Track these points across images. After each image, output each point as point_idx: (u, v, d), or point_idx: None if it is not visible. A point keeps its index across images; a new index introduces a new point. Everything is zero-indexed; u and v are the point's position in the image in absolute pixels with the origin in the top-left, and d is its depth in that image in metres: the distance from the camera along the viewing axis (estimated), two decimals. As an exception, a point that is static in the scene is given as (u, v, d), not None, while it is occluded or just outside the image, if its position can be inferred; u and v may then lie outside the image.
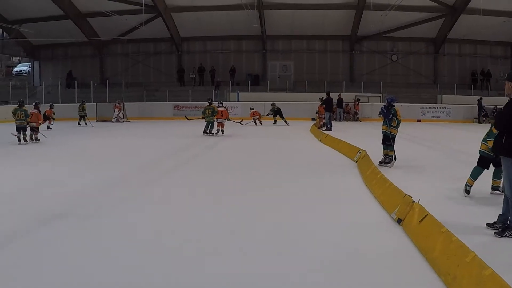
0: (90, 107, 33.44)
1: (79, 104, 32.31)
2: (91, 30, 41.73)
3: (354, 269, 5.72)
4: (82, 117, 31.30)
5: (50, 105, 27.92)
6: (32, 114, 20.56)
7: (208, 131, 23.34)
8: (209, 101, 24.34)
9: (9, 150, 18.41)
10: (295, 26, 38.78)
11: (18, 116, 19.93)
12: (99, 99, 36.16)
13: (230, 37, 41.29)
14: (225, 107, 25.72)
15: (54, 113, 28.62)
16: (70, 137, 23.55)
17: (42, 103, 33.28)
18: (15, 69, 56.10)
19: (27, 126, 20.12)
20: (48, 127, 27.04)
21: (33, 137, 20.57)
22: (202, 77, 41.14)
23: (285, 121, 30.78)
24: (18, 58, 58.78)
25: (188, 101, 35.83)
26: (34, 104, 22.14)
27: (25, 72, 52.47)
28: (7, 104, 36.36)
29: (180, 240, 6.90)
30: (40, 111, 21.94)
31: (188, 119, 27.47)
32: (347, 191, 10.38)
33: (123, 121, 33.77)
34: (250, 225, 7.60)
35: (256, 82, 39.72)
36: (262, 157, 16.12)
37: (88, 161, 15.37)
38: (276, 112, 31.53)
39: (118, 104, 34.23)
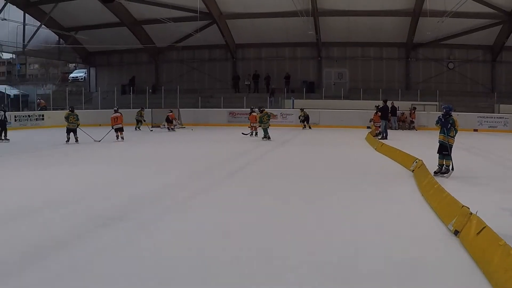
0: (145, 113, 34.52)
1: (138, 110, 34.27)
2: (146, 37, 43.09)
3: (409, 280, 5.85)
4: (139, 121, 33.14)
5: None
6: (118, 118, 24.90)
7: (267, 136, 24.61)
8: (262, 109, 26.14)
9: (72, 152, 20.21)
10: (350, 33, 39.01)
11: (70, 120, 23.27)
12: (154, 105, 37.25)
13: (285, 44, 41.81)
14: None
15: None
16: (130, 141, 24.80)
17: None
18: (71, 75, 58.03)
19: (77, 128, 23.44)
20: (172, 128, 31.48)
21: (120, 137, 24.69)
22: (257, 84, 42.01)
23: (310, 126, 33.79)
24: (74, 64, 60.78)
25: (243, 107, 36.36)
26: (115, 109, 26.24)
27: (81, 78, 54.26)
28: (63, 110, 37.62)
29: (249, 245, 7.21)
30: (121, 114, 25.41)
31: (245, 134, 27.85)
32: (403, 201, 10.53)
33: (178, 128, 34.49)
34: (309, 233, 7.80)
35: (311, 89, 40.20)
36: (317, 165, 16.45)
37: (147, 165, 16.40)
38: (306, 118, 33.32)
39: (170, 113, 35.04)
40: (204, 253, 6.91)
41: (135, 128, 32.81)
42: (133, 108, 36.00)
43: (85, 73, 53.25)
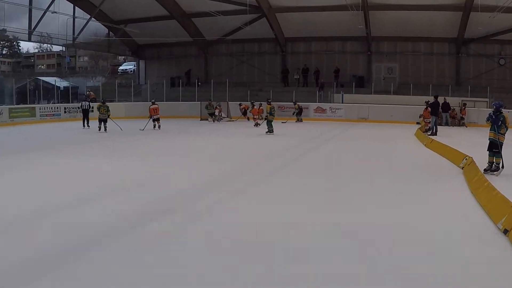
0: (194, 106, 35.47)
1: (207, 103, 36.29)
2: (196, 30, 44.17)
3: (457, 279, 5.96)
4: (212, 114, 35.40)
5: (252, 102, 34.47)
6: (156, 109, 28.16)
7: (271, 130, 25.77)
8: (269, 101, 27.32)
9: (121, 143, 22.20)
10: (400, 28, 39.16)
11: (101, 111, 26.94)
12: (203, 98, 38.19)
13: (335, 38, 42.30)
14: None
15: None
16: (180, 133, 26.38)
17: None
18: (121, 67, 59.71)
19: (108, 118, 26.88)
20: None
21: (157, 126, 27.92)
22: (306, 78, 42.65)
23: (301, 120, 35.15)
24: (123, 57, 62.31)
25: (292, 101, 36.77)
26: (152, 101, 29.55)
27: (131, 71, 55.75)
28: (112, 102, 38.87)
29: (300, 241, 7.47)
30: (158, 106, 28.35)
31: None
32: (452, 198, 10.69)
33: (227, 121, 35.39)
34: (365, 229, 8.03)
35: (361, 83, 40.62)
36: (365, 161, 16.69)
37: (197, 157, 17.36)
38: (300, 112, 35.11)
39: (218, 106, 35.92)
40: (254, 245, 7.30)
41: (213, 121, 35.02)
42: (181, 101, 36.85)
43: (134, 66, 54.67)
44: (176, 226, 8.38)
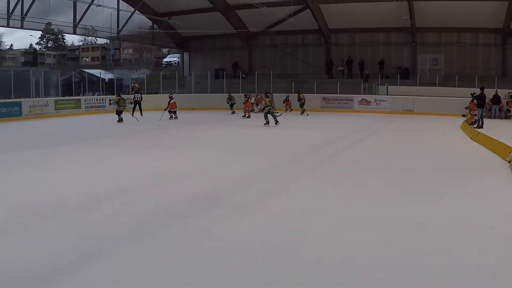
0: (237, 98, 36.29)
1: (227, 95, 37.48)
2: (240, 22, 44.81)
3: (505, 283, 5.81)
4: (232, 105, 36.48)
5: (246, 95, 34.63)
6: (175, 103, 31.07)
7: (268, 121, 26.50)
8: (268, 94, 28.93)
9: (162, 135, 23.30)
10: (445, 18, 38.83)
11: (120, 104, 29.26)
12: (247, 90, 38.65)
13: (379, 29, 42.22)
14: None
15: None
16: (220, 125, 27.23)
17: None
18: (165, 60, 60.77)
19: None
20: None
21: (174, 117, 30.57)
22: (351, 69, 42.84)
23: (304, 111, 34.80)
24: (167, 49, 63.24)
25: (337, 93, 37.65)
26: (171, 96, 31.92)
27: (175, 63, 56.72)
28: (157, 93, 39.75)
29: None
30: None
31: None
32: (498, 192, 10.66)
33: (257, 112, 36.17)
34: (406, 227, 7.96)
35: (405, 75, 40.53)
36: (410, 154, 16.75)
37: (237, 150, 17.83)
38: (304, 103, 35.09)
39: (259, 97, 36.43)
40: (302, 238, 7.44)
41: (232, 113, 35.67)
42: (225, 93, 37.49)
43: (178, 58, 55.48)
44: (225, 217, 8.66)
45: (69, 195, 10.17)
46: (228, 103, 36.66)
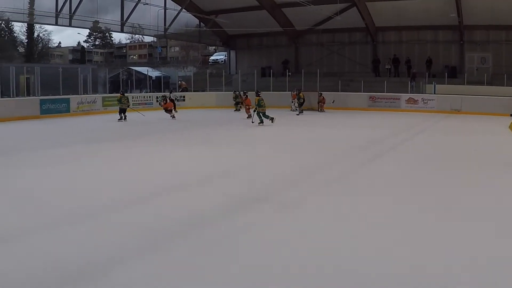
0: (283, 96, 36.96)
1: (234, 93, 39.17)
2: (286, 20, 45.35)
3: None
4: (237, 103, 37.65)
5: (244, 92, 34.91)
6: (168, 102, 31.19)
7: (262, 120, 26.60)
8: (258, 93, 27.88)
9: (210, 132, 24.17)
10: (493, 16, 38.26)
11: (123, 101, 29.93)
12: (293, 88, 39.01)
13: (426, 27, 41.93)
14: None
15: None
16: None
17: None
18: (212, 57, 61.56)
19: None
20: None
21: (171, 116, 30.34)
22: (397, 68, 42.80)
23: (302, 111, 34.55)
24: (214, 47, 63.85)
25: (383, 92, 37.69)
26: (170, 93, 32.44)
27: (221, 61, 57.40)
28: (203, 91, 40.49)
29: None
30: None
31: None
32: None
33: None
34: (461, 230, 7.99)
35: (453, 74, 40.13)
36: (457, 154, 16.63)
37: (283, 147, 18.37)
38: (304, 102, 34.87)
39: (293, 93, 36.79)
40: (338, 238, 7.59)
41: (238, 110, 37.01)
42: (272, 91, 37.93)
43: (225, 56, 56.13)
44: (268, 214, 9.02)
45: (131, 189, 10.99)
46: (234, 101, 38.21)
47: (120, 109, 30.07)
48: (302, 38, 47.72)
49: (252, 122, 26.70)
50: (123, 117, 29.59)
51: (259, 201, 9.96)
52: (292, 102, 36.92)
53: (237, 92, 38.55)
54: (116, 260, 6.67)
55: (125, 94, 31.37)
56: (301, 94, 34.98)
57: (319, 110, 36.73)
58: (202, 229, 8.11)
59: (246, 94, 33.20)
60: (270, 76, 43.59)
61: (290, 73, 44.17)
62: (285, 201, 9.91)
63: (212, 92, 43.29)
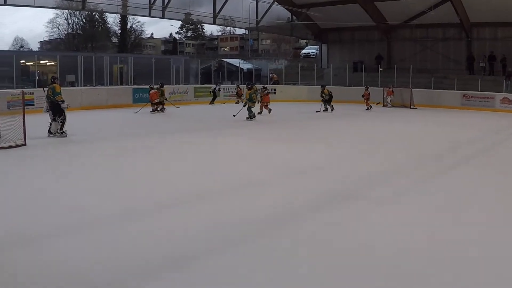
0: (375, 91, 37.65)
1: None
2: (379, 14, 45.44)
3: None
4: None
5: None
6: (156, 93, 29.93)
7: (252, 115, 26.63)
8: (249, 86, 28.17)
9: (301, 126, 25.19)
10: None
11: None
12: (385, 83, 39.91)
13: (524, 23, 41.56)
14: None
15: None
16: (354, 117, 29.31)
17: (330, 85, 37.36)
18: (303, 51, 62.29)
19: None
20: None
21: (159, 109, 30.07)
22: (492, 66, 41.77)
23: (332, 107, 32.89)
24: (305, 41, 64.35)
25: (477, 90, 37.35)
26: (150, 86, 31.12)
27: (313, 55, 57.95)
28: (295, 85, 41.20)
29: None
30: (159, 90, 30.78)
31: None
32: None
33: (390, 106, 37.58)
34: None
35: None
36: None
37: (372, 143, 18.69)
38: (330, 98, 33.15)
39: (389, 89, 36.82)
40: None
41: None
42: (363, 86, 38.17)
43: (317, 50, 56.53)
44: (359, 212, 9.16)
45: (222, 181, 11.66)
46: (236, 94, 39.43)
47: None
48: (394, 33, 47.62)
49: (234, 116, 26.90)
50: (158, 109, 30.10)
51: (351, 196, 10.22)
52: (387, 98, 37.16)
53: (239, 85, 39.94)
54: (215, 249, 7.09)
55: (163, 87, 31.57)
56: (325, 90, 33.34)
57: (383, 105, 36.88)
58: (301, 221, 8.47)
59: (267, 90, 32.24)
60: (362, 71, 44.13)
61: (381, 68, 44.41)
62: (379, 198, 10.15)
63: (303, 85, 43.87)
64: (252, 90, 26.67)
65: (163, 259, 6.62)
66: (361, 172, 12.79)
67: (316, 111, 31.97)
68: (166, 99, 31.10)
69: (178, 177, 12.16)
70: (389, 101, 37.81)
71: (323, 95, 33.03)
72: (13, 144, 15.91)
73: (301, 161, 14.70)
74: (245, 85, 33.29)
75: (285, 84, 44.47)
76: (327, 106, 32.89)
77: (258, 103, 27.54)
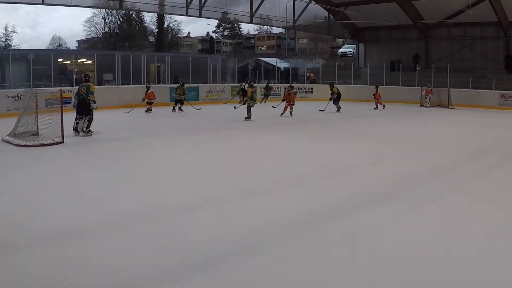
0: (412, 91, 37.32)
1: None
2: (416, 13, 45.38)
3: None
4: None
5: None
6: (152, 93, 29.67)
7: (249, 116, 26.04)
8: (251, 83, 29.24)
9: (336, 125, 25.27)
10: None
11: (178, 92, 30.60)
12: (423, 83, 40.11)
13: (562, 22, 41.08)
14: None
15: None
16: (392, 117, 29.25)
17: (367, 84, 37.33)
18: (340, 50, 62.52)
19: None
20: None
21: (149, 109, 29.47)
22: (531, 65, 41.73)
23: (339, 107, 31.94)
24: (342, 39, 64.50)
25: (330, 83, 36.48)
26: (147, 85, 30.76)
27: (350, 54, 58.14)
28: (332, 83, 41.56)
29: None
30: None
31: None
32: None
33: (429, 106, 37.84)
34: None
35: None
36: None
37: (408, 145, 18.48)
38: (338, 97, 32.51)
39: (428, 88, 36.80)
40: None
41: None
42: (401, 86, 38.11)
43: (354, 49, 56.67)
44: (395, 214, 8.99)
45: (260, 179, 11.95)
46: (238, 93, 38.36)
47: (175, 100, 30.84)
48: (432, 32, 47.51)
49: (235, 108, 27.64)
50: (177, 109, 30.28)
51: (390, 197, 10.13)
52: (425, 98, 37.16)
53: (243, 84, 38.44)
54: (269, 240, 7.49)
55: (184, 86, 31.56)
56: (334, 89, 32.73)
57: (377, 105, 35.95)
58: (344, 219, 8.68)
59: (294, 89, 30.63)
60: (399, 70, 44.20)
61: (419, 68, 44.37)
62: (416, 199, 10.02)
63: (340, 85, 43.98)
64: (254, 88, 27.02)
65: (197, 260, 6.67)
66: (400, 174, 12.67)
67: (320, 110, 31.59)
68: (185, 100, 30.93)
69: (231, 175, 12.43)
70: (427, 101, 37.75)
71: (332, 93, 32.50)
72: (51, 141, 16.63)
73: (343, 159, 14.84)
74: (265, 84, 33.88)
75: (322, 83, 44.60)
76: (336, 105, 31.97)
77: (264, 102, 27.82)
